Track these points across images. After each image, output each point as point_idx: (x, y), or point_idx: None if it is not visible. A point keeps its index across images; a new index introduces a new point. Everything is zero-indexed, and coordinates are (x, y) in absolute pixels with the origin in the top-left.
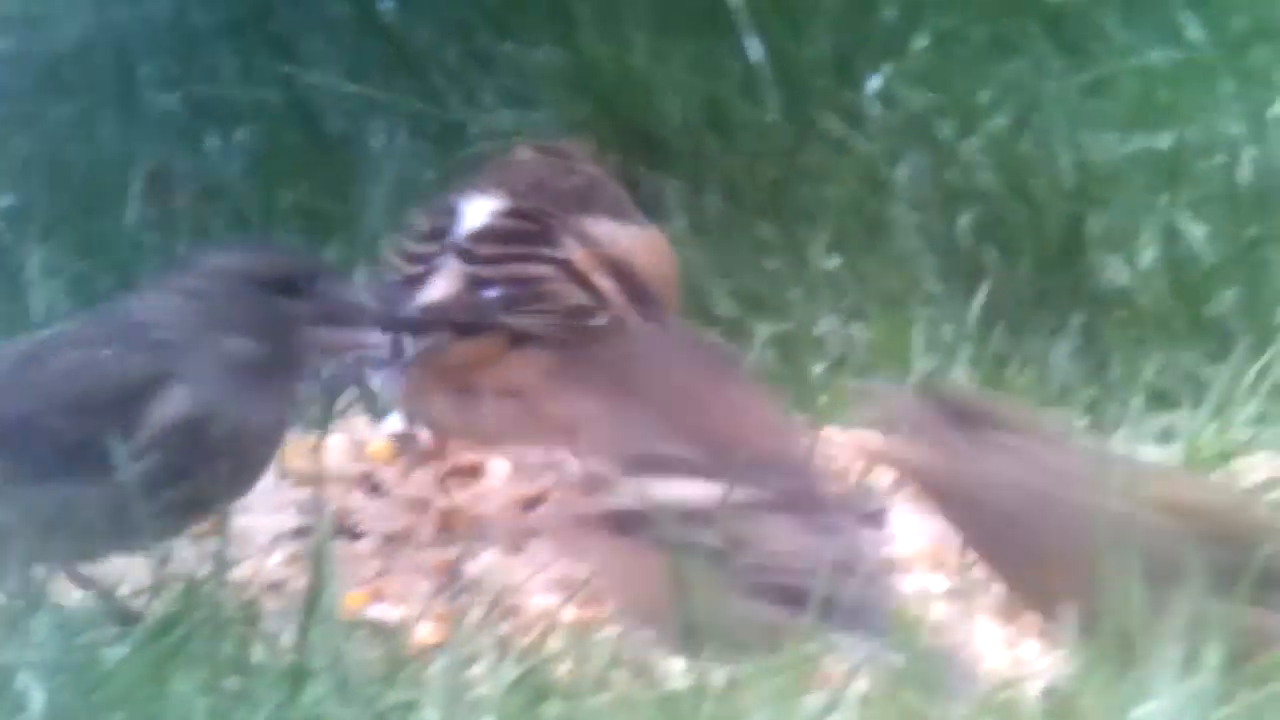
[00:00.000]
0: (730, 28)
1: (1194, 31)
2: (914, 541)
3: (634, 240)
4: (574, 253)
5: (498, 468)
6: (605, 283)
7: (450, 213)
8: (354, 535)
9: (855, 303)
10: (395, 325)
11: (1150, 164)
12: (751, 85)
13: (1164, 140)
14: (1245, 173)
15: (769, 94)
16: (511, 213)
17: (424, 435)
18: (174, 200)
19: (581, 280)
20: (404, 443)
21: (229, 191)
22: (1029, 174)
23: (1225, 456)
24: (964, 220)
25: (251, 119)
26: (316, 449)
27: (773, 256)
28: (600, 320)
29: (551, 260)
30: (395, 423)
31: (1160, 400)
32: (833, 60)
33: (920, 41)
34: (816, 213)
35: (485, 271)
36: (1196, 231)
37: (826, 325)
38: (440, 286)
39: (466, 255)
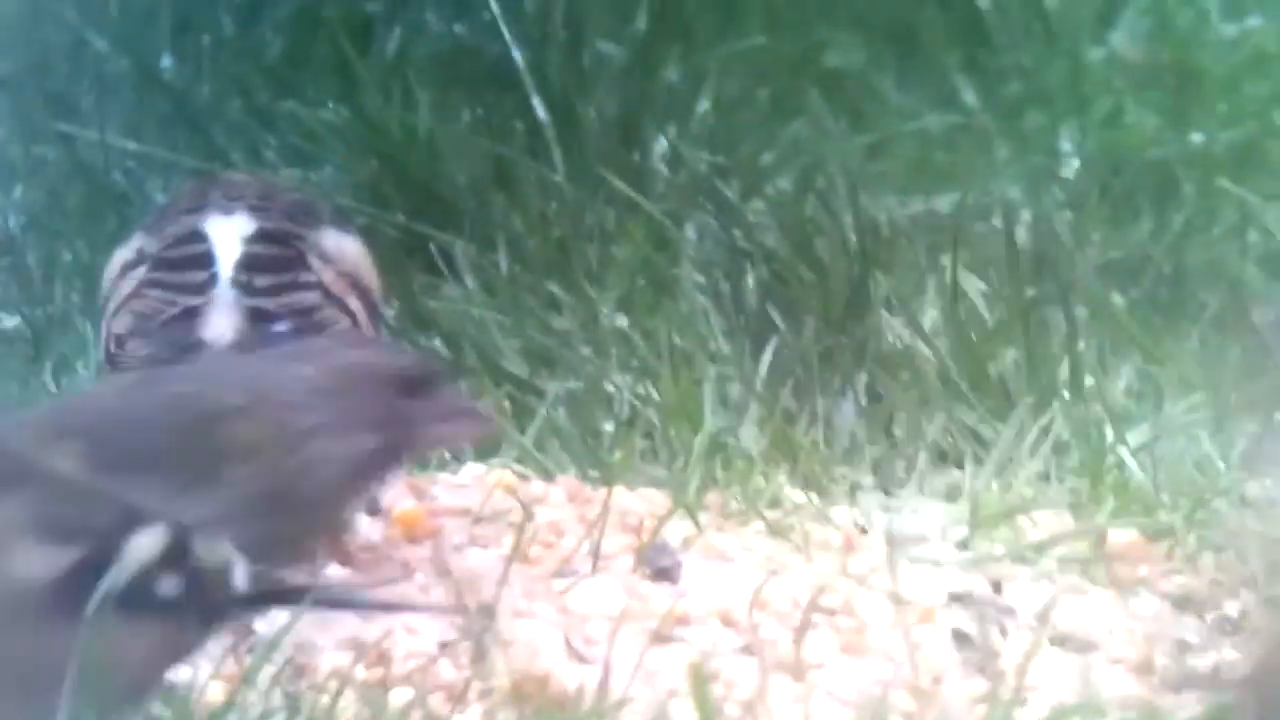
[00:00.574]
0: (516, 87)
1: (969, 96)
2: (706, 598)
3: (357, 251)
4: (325, 274)
5: None
6: (355, 303)
7: (196, 238)
8: None
9: (645, 361)
10: None
11: (930, 225)
12: (538, 145)
13: (943, 202)
14: (1023, 234)
15: (555, 154)
16: (264, 236)
17: None
18: None
19: (339, 303)
20: None
21: (8, 248)
22: (813, 234)
23: (1010, 514)
24: (750, 280)
25: (29, 175)
26: None
27: (562, 315)
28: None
29: (314, 285)
30: None
31: (944, 458)
32: (618, 121)
33: (704, 104)
34: (605, 272)
35: (268, 304)
36: (977, 291)
37: (616, 383)
38: (223, 321)
39: (245, 287)
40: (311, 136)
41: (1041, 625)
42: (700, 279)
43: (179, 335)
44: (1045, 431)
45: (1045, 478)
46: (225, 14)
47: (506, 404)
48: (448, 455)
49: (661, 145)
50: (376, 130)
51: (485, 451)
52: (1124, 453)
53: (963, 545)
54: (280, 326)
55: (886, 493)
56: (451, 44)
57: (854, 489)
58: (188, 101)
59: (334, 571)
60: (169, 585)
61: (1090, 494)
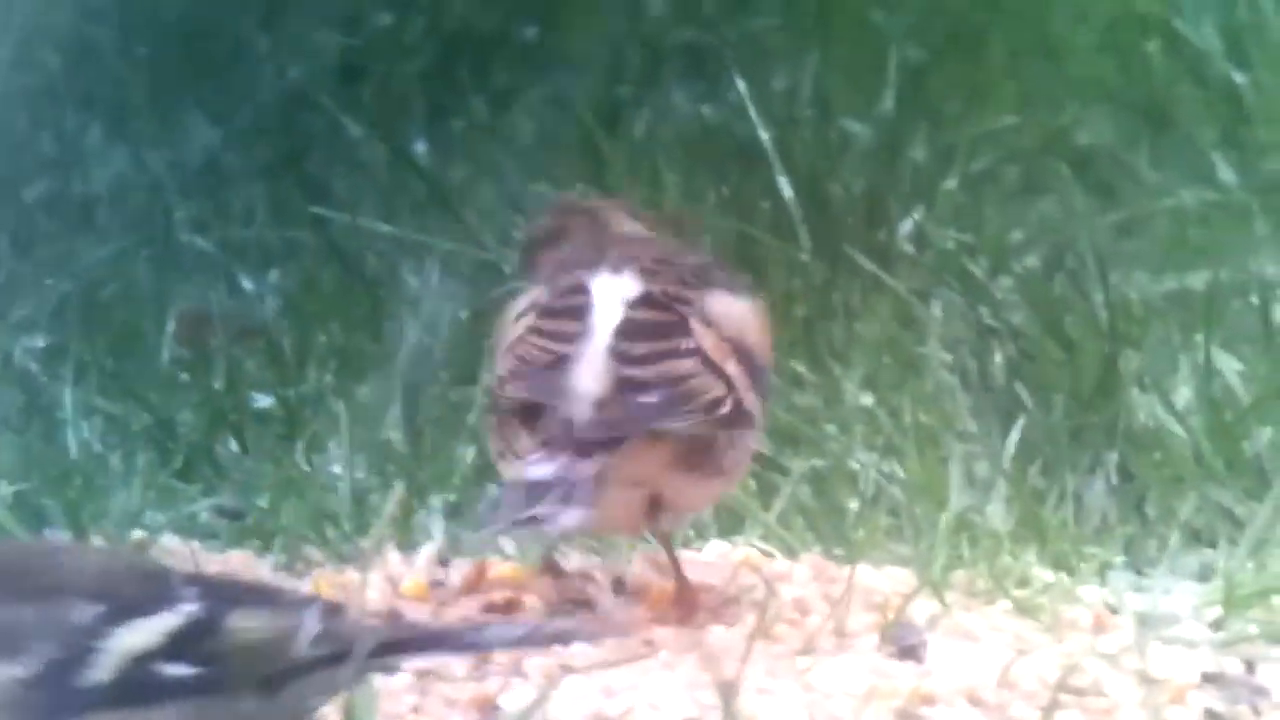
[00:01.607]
0: (762, 166)
1: (1225, 173)
2: (952, 676)
3: (746, 315)
4: (705, 340)
5: (532, 603)
6: (733, 368)
7: (580, 291)
8: (389, 671)
9: (890, 439)
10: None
11: (1184, 303)
12: (783, 224)
13: (1197, 280)
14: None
15: (801, 232)
16: (648, 302)
17: (458, 572)
18: (208, 341)
19: (716, 370)
20: (438, 579)
21: (263, 330)
22: (1062, 312)
23: (1264, 594)
24: (997, 358)
25: (285, 259)
26: (350, 585)
27: (807, 393)
28: (728, 407)
29: (692, 352)
30: (428, 560)
31: (1197, 538)
32: (865, 199)
33: (951, 181)
34: (850, 350)
35: (639, 373)
36: (1231, 370)
37: (861, 461)
38: (590, 379)
39: (620, 355)
40: None
41: None
42: (947, 357)
43: (551, 382)
44: None
45: None
46: (478, 99)
47: (752, 482)
48: (692, 533)
49: (908, 223)
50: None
51: (730, 529)
52: None
53: (1216, 625)
54: (650, 397)
55: (1138, 572)
56: (699, 124)
57: (1104, 568)
58: (440, 185)
59: (579, 648)
60: (177, 668)
61: None
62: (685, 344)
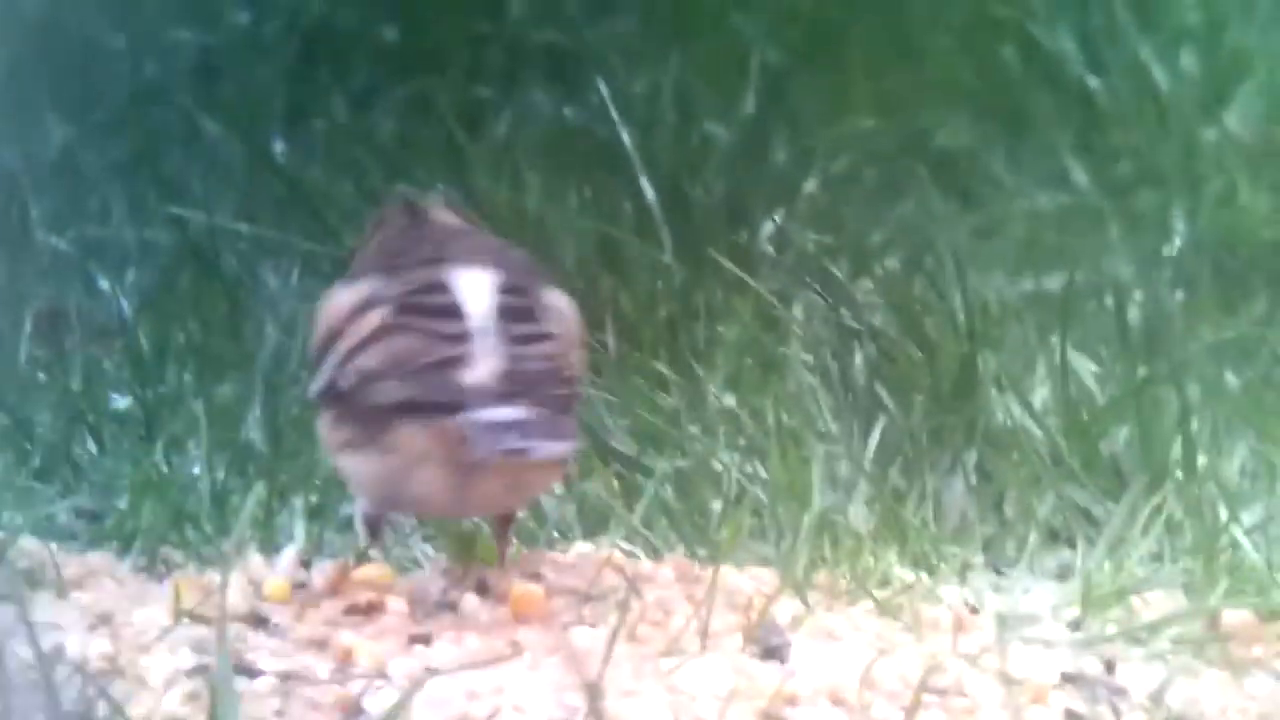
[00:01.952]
0: (624, 168)
1: (1079, 176)
2: (815, 677)
3: (572, 308)
4: (555, 329)
5: (395, 605)
6: (576, 355)
7: (442, 288)
8: (251, 674)
9: (753, 440)
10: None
11: (1040, 304)
12: (646, 226)
13: (1053, 281)
14: (1134, 314)
15: (663, 234)
16: (509, 289)
17: (319, 575)
18: (65, 341)
19: (566, 358)
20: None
21: (121, 330)
22: (922, 314)
23: (1122, 594)
24: (858, 359)
25: (142, 258)
26: (211, 587)
27: (670, 394)
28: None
29: (554, 336)
30: (290, 561)
31: (1055, 538)
32: (726, 201)
33: (811, 184)
34: (713, 351)
35: (528, 353)
36: (1087, 370)
37: (724, 462)
38: (485, 368)
39: (508, 337)
40: None
41: (1155, 706)
42: (808, 358)
43: (439, 380)
44: (1158, 511)
45: (1158, 558)
46: (337, 98)
47: (615, 482)
48: (555, 534)
49: (769, 225)
50: (486, 211)
51: (593, 530)
52: (1238, 533)
53: (1075, 625)
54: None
55: (997, 572)
56: (560, 126)
57: (964, 568)
58: (300, 184)
59: (443, 650)
60: None
61: (1204, 574)
62: (550, 329)
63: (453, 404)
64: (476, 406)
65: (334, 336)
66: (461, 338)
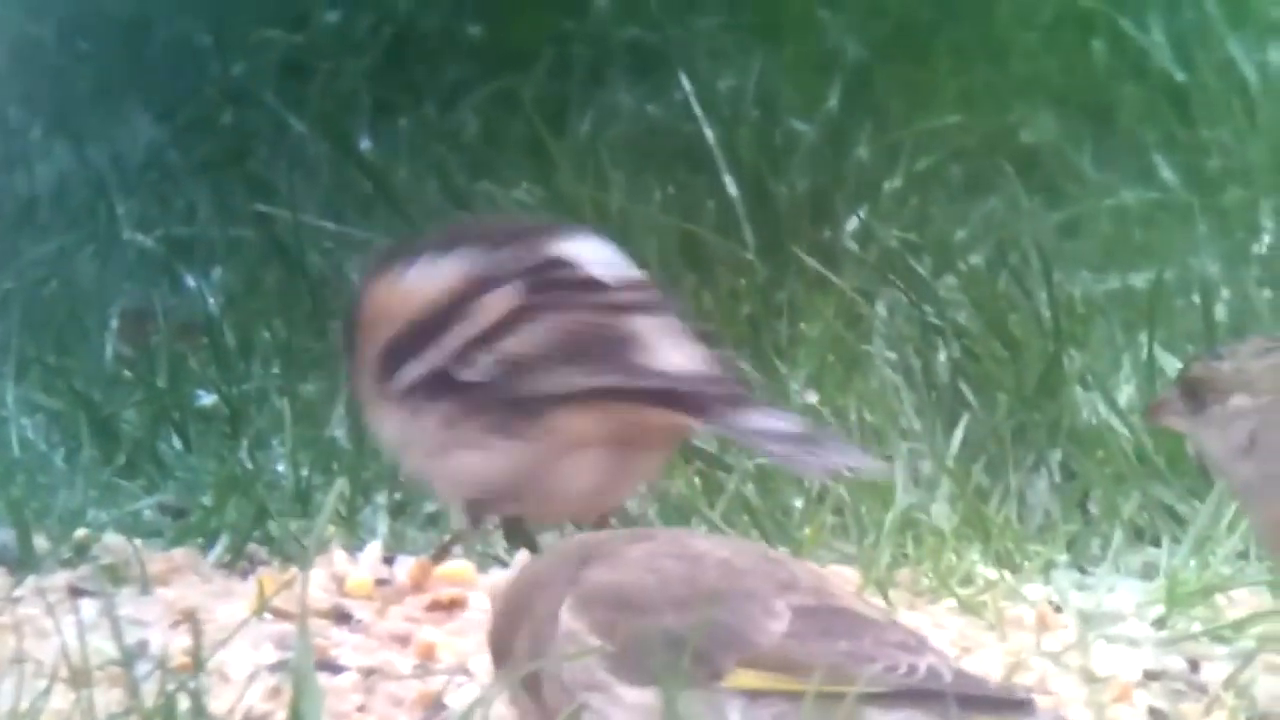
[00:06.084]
0: (707, 165)
1: (1167, 172)
2: None
3: None
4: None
5: (478, 601)
6: None
7: (564, 264)
8: (333, 669)
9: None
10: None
11: (1127, 301)
12: (729, 223)
13: (1140, 278)
14: (1221, 311)
15: (746, 231)
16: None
17: (403, 570)
18: (151, 339)
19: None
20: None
21: (206, 328)
22: (1006, 311)
23: (1207, 592)
24: (942, 356)
25: (228, 256)
26: (294, 583)
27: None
28: None
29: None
30: (374, 557)
31: (1140, 536)
32: (810, 198)
33: (896, 180)
34: (795, 348)
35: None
36: (1174, 368)
37: None
38: (675, 352)
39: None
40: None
41: (1239, 703)
42: (891, 355)
43: (628, 362)
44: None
45: (1243, 555)
46: (423, 97)
47: (696, 480)
48: None
49: (853, 222)
50: (570, 209)
51: (675, 526)
52: None
53: (1159, 623)
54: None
55: (1081, 570)
56: (644, 124)
57: (1048, 566)
58: (385, 182)
59: None
60: None
61: None
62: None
63: (664, 392)
64: (729, 409)
65: (440, 322)
66: (625, 309)
